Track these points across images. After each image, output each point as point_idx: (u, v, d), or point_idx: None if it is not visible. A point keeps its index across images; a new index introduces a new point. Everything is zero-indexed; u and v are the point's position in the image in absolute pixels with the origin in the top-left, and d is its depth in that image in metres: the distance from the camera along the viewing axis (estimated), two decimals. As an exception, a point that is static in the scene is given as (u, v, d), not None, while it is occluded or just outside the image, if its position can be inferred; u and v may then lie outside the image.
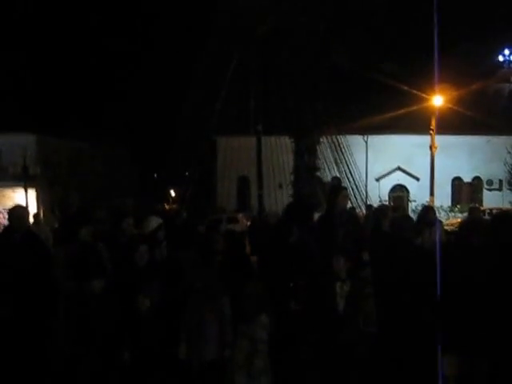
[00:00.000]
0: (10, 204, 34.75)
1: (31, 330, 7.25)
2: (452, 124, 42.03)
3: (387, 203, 38.98)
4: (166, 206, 34.64)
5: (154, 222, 8.45)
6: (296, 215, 8.55)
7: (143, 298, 7.01)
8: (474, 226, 7.24)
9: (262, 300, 7.15)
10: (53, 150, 44.84)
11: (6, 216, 8.20)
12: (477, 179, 50.77)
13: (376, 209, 10.36)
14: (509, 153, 47.86)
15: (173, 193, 55.82)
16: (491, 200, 46.84)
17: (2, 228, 9.51)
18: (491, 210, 33.25)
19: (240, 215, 40.05)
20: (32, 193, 43.18)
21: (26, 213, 8.14)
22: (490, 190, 50.23)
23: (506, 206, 43.25)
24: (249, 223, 20.48)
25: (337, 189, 9.55)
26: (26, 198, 40.02)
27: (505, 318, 6.18)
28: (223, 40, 19.84)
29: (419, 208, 43.03)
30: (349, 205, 12.31)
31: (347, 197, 8.80)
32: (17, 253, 7.40)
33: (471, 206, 26.74)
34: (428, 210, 9.39)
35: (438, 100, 36.49)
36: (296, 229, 8.18)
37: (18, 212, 7.88)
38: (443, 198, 44.80)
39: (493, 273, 6.23)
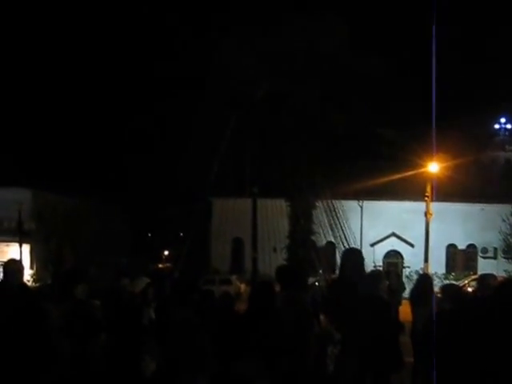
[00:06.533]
0: (3, 259, 34.60)
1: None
2: (447, 191, 42.17)
3: (381, 269, 38.85)
4: (160, 265, 34.55)
5: (143, 283, 8.45)
6: (284, 280, 8.31)
7: (150, 360, 6.81)
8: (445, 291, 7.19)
9: (256, 365, 7.05)
10: (48, 205, 44.77)
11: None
12: (471, 247, 50.62)
13: (369, 274, 10.21)
14: (504, 221, 47.73)
15: (166, 252, 55.73)
16: (486, 268, 46.09)
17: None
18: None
19: (234, 277, 39.89)
20: (26, 248, 42.98)
21: (20, 267, 8.09)
22: (484, 257, 49.93)
23: (501, 274, 42.96)
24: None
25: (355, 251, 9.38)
26: (20, 252, 39.78)
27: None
28: (220, 103, 19.98)
29: (413, 274, 43.17)
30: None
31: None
32: (10, 308, 7.33)
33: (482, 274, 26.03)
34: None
35: (433, 167, 36.68)
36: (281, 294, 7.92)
37: (12, 266, 7.84)
38: (438, 265, 44.57)
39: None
